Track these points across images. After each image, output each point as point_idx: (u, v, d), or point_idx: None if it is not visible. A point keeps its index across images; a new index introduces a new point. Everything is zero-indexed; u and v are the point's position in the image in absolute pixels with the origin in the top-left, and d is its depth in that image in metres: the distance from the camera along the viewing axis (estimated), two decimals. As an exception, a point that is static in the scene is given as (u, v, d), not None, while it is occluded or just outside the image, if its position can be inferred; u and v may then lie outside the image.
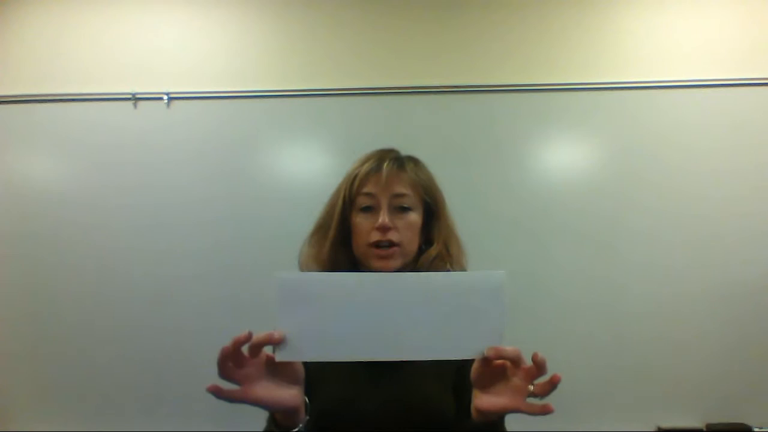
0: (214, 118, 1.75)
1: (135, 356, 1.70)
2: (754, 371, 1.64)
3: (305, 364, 0.72)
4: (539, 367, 0.59)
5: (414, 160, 0.94)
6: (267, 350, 0.62)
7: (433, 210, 0.92)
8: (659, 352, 1.65)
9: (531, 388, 0.60)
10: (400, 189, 0.87)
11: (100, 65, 1.78)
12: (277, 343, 0.61)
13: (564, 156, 1.73)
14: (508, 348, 0.61)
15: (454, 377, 0.83)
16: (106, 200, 1.73)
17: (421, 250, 0.90)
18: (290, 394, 0.64)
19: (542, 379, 0.60)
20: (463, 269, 0.92)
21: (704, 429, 1.62)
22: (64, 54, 1.78)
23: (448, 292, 0.63)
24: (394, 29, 1.78)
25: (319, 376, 0.79)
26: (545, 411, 0.58)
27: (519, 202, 1.70)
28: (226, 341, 0.58)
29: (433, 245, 0.90)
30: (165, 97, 1.74)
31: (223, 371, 0.60)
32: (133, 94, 1.75)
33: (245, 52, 1.78)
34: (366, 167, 0.88)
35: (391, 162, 0.88)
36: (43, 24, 1.80)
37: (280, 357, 0.61)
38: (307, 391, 0.78)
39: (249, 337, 0.59)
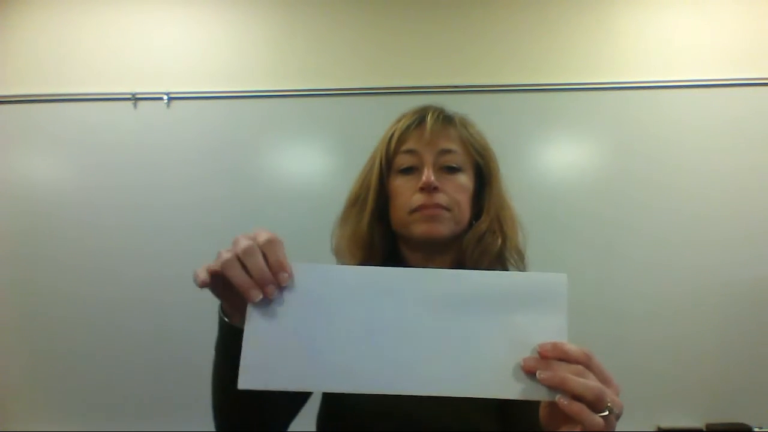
0: (214, 118, 1.75)
1: (135, 356, 1.70)
2: (754, 371, 1.64)
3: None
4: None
5: (462, 115, 0.79)
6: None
7: (484, 174, 0.77)
8: (659, 352, 1.65)
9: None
10: (448, 144, 0.73)
11: (100, 65, 1.78)
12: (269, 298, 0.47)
13: (564, 156, 1.73)
14: (573, 347, 0.45)
15: None
16: (106, 200, 1.73)
17: (471, 225, 0.75)
18: None
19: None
20: (518, 251, 0.77)
21: (704, 429, 1.62)
22: (64, 54, 1.78)
23: (487, 299, 0.47)
24: (394, 29, 1.78)
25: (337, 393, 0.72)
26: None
27: (519, 202, 1.68)
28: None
29: (482, 216, 0.75)
30: (165, 97, 1.74)
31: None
32: (133, 94, 1.74)
33: (245, 52, 1.78)
34: (405, 121, 0.74)
35: (435, 115, 0.74)
36: (43, 24, 1.80)
37: (244, 383, 0.46)
38: (322, 410, 0.71)
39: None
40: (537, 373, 0.45)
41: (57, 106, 1.75)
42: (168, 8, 1.80)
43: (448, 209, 0.70)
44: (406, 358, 0.46)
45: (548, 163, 1.73)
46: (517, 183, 1.67)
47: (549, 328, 0.46)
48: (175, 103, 1.75)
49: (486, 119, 1.83)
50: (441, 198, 0.69)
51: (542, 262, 1.77)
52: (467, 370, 0.46)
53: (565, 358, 0.45)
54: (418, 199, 0.70)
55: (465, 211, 0.73)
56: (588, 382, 0.44)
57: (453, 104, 0.83)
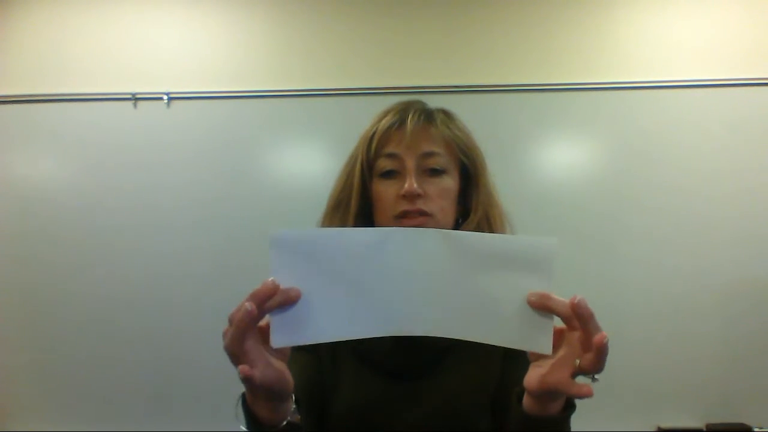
0: (214, 118, 1.75)
1: (135, 356, 1.70)
2: (754, 371, 1.64)
3: (318, 371, 0.66)
4: (581, 320, 0.46)
5: (445, 112, 0.77)
6: None
7: (470, 173, 0.75)
8: (659, 352, 1.65)
9: (577, 362, 0.48)
10: (430, 147, 0.70)
11: (100, 65, 1.78)
12: (293, 302, 0.48)
13: (564, 156, 1.73)
14: (558, 299, 0.49)
15: (493, 391, 0.71)
16: (106, 200, 1.73)
17: (458, 224, 0.74)
18: (286, 372, 0.51)
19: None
20: None
21: (704, 429, 1.62)
22: (64, 54, 1.78)
23: (484, 258, 0.50)
24: (394, 29, 1.78)
25: (333, 390, 0.71)
26: (581, 394, 0.47)
27: (519, 202, 1.68)
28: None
29: (470, 216, 0.74)
30: (165, 97, 1.74)
31: (238, 344, 0.46)
32: (133, 94, 1.74)
33: (245, 52, 1.78)
34: (386, 122, 0.72)
35: (417, 114, 0.72)
36: (43, 24, 1.80)
37: (278, 341, 0.49)
38: (316, 408, 0.71)
39: (274, 290, 0.47)
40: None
41: (57, 106, 1.75)
42: (168, 8, 1.80)
43: (431, 215, 0.68)
44: (413, 305, 0.51)
45: (548, 163, 1.73)
46: (516, 183, 1.69)
47: (535, 287, 0.51)
48: (175, 103, 1.75)
49: (486, 119, 1.84)
50: (424, 204, 0.68)
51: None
52: (465, 317, 0.51)
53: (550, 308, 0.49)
54: (401, 205, 0.68)
55: (449, 214, 0.72)
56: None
57: (453, 104, 0.83)
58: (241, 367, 0.46)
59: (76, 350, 1.70)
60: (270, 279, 0.48)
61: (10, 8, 1.80)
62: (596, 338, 0.46)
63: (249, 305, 0.46)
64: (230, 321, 0.47)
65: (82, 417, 1.69)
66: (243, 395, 0.53)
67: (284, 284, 0.48)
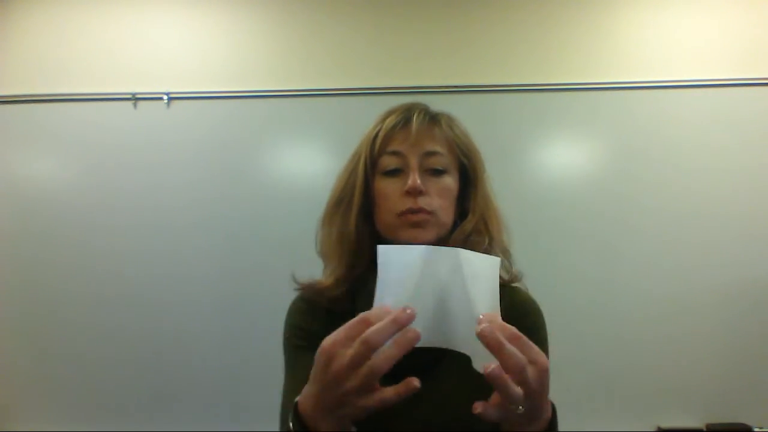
0: (214, 118, 1.75)
1: (135, 356, 1.70)
2: (754, 371, 1.64)
3: None
4: (490, 349, 0.47)
5: (448, 115, 0.79)
6: None
7: (469, 175, 0.77)
8: (659, 352, 1.65)
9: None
10: (433, 147, 0.72)
11: (100, 65, 1.78)
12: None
13: (564, 156, 1.73)
14: (488, 331, 0.47)
15: (492, 392, 0.74)
16: (106, 200, 1.73)
17: (455, 225, 0.75)
18: None
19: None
20: (504, 250, 0.78)
21: (704, 429, 1.62)
22: (65, 54, 1.78)
23: (455, 273, 0.52)
24: (394, 29, 1.78)
25: None
26: (475, 409, 0.49)
27: (520, 202, 1.70)
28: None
29: (468, 217, 0.75)
30: (165, 97, 1.74)
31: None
32: (133, 94, 1.75)
33: (245, 52, 1.78)
34: (391, 121, 0.73)
35: (421, 115, 0.73)
36: (43, 24, 1.80)
37: None
38: None
39: (413, 316, 0.47)
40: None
41: (57, 106, 1.76)
42: (168, 8, 1.80)
43: (432, 213, 0.70)
44: (428, 317, 0.52)
45: (548, 163, 1.73)
46: (516, 183, 1.69)
47: (486, 302, 0.52)
48: (175, 103, 1.75)
49: (486, 119, 1.84)
50: (426, 202, 0.69)
51: (542, 262, 1.78)
52: (450, 330, 0.53)
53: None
54: (404, 202, 0.69)
55: (449, 213, 0.73)
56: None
57: (453, 104, 0.83)
58: (414, 379, 0.47)
59: (76, 350, 1.70)
60: (410, 308, 0.47)
61: (10, 8, 1.80)
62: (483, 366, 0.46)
63: (415, 330, 0.46)
64: (366, 342, 0.46)
65: (82, 417, 1.69)
66: (294, 409, 0.51)
67: (387, 300, 0.50)
